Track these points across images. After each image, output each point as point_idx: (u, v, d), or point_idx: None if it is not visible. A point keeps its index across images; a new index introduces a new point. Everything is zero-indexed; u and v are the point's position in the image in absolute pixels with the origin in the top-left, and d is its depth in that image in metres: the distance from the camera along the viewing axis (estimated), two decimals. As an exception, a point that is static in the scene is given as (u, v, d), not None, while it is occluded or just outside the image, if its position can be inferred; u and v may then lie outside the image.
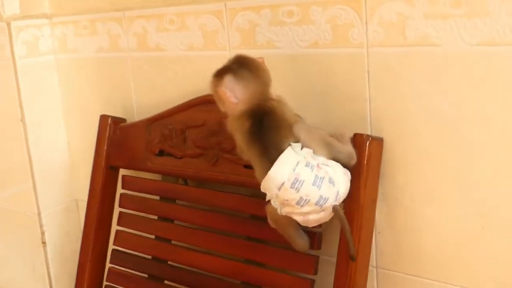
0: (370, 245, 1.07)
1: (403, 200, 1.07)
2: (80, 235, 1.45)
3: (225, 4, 1.19)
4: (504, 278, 1.00)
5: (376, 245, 1.11)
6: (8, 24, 1.45)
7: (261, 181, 0.97)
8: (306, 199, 0.94)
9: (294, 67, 1.14)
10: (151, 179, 1.36)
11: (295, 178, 0.93)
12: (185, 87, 1.31)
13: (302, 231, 1.06)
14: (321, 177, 0.94)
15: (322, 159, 0.97)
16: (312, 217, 0.97)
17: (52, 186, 1.59)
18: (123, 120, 1.41)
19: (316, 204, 0.94)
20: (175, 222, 1.31)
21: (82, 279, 1.42)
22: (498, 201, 0.98)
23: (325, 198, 0.94)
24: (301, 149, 0.96)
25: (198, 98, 1.24)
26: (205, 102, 1.23)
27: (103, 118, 1.40)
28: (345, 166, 1.00)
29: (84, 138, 1.56)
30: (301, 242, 1.06)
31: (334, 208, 0.96)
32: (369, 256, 1.07)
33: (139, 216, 1.36)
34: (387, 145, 1.06)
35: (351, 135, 1.04)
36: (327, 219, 0.99)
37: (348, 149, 1.02)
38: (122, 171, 1.41)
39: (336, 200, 0.96)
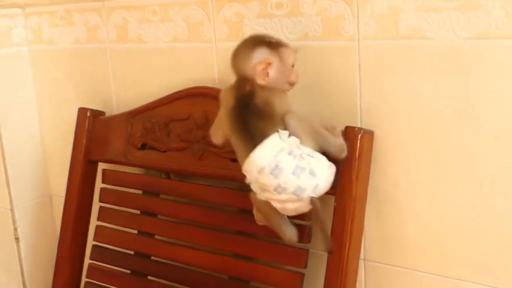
0: (361, 237, 1.07)
1: (392, 193, 1.08)
2: (54, 231, 1.43)
3: (212, -5, 1.18)
4: (492, 268, 1.01)
5: (364, 237, 1.12)
6: (-21, 15, 1.41)
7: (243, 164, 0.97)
8: (283, 187, 0.94)
9: (283, 60, 1.13)
10: (133, 173, 1.33)
11: (276, 165, 0.93)
12: (168, 80, 1.29)
13: (290, 223, 1.05)
14: (302, 167, 0.94)
15: (308, 150, 0.96)
16: (289, 205, 0.97)
17: (26, 180, 1.56)
18: (102, 113, 1.38)
19: (293, 193, 0.94)
20: (159, 216, 1.29)
21: (60, 275, 1.39)
22: (487, 193, 0.99)
23: (303, 188, 0.94)
24: (289, 137, 0.96)
25: (183, 91, 1.23)
26: (190, 95, 1.22)
27: (82, 111, 1.36)
28: (335, 159, 1.01)
29: (59, 131, 1.53)
30: (289, 234, 1.05)
31: (311, 200, 0.96)
32: (360, 248, 1.07)
33: (121, 210, 1.34)
34: (377, 138, 1.06)
35: (343, 128, 1.03)
36: (305, 210, 0.98)
37: (339, 142, 1.02)
38: (101, 165, 1.38)
39: (314, 192, 0.95)
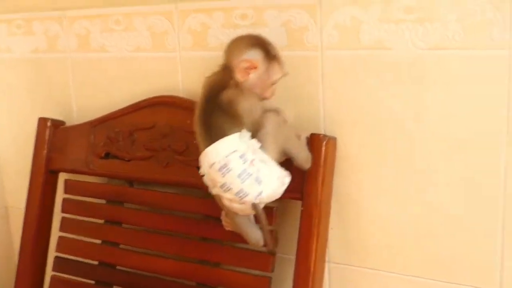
0: (327, 240, 1.10)
1: (354, 196, 1.12)
2: (10, 243, 1.40)
3: (176, 6, 1.19)
4: (447, 265, 1.06)
5: (328, 240, 1.15)
6: None
7: None
8: (228, 187, 0.97)
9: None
10: (96, 182, 1.33)
11: (225, 163, 0.96)
12: (131, 89, 1.29)
13: (255, 227, 1.07)
14: (249, 173, 0.96)
15: (264, 157, 0.99)
16: (235, 205, 0.99)
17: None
18: (63, 123, 1.37)
19: (236, 195, 0.97)
20: (123, 225, 1.29)
21: (21, 288, 1.37)
22: (443, 197, 1.04)
23: (245, 192, 0.97)
24: (252, 139, 0.98)
25: (147, 100, 1.23)
26: (155, 104, 1.22)
27: (42, 120, 1.35)
28: (300, 168, 1.04)
29: (14, 142, 1.50)
30: (255, 238, 1.07)
31: (253, 205, 0.98)
32: (326, 251, 1.11)
33: (84, 220, 1.33)
34: (340, 144, 1.10)
35: (308, 134, 1.07)
36: (248, 213, 1.01)
37: (304, 155, 1.05)
38: (63, 175, 1.37)
39: (256, 198, 0.98)
